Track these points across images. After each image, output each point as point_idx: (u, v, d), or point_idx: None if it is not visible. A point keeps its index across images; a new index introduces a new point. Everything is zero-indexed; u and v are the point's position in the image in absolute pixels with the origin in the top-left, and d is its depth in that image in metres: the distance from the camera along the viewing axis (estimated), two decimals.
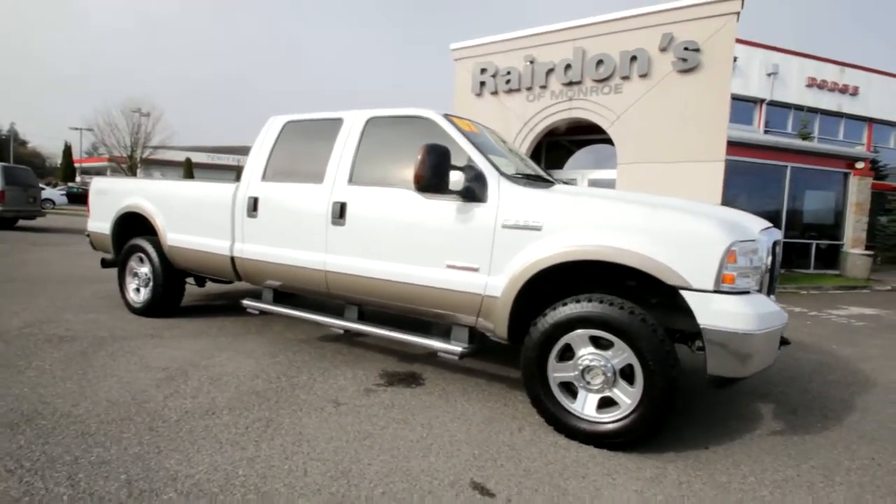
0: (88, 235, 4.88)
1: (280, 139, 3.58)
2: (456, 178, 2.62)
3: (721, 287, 2.11)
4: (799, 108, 18.07)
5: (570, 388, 2.45)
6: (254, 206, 3.50)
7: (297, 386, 2.91)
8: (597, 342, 2.35)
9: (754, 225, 2.40)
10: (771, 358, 2.27)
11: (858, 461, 2.38)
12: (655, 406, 2.18)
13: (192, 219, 3.94)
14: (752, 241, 2.21)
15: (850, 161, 13.41)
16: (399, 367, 3.34)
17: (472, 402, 2.81)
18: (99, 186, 4.78)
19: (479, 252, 2.61)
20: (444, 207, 2.72)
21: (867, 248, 13.16)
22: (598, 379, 2.33)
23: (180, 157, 36.17)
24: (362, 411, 2.60)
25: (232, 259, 3.68)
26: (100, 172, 47.91)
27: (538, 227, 2.45)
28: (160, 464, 1.97)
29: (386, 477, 1.99)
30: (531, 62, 8.95)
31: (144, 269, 4.32)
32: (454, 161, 2.61)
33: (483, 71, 9.52)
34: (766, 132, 17.15)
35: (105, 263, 4.81)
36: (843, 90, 18.47)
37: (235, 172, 36.44)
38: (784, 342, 2.39)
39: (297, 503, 1.78)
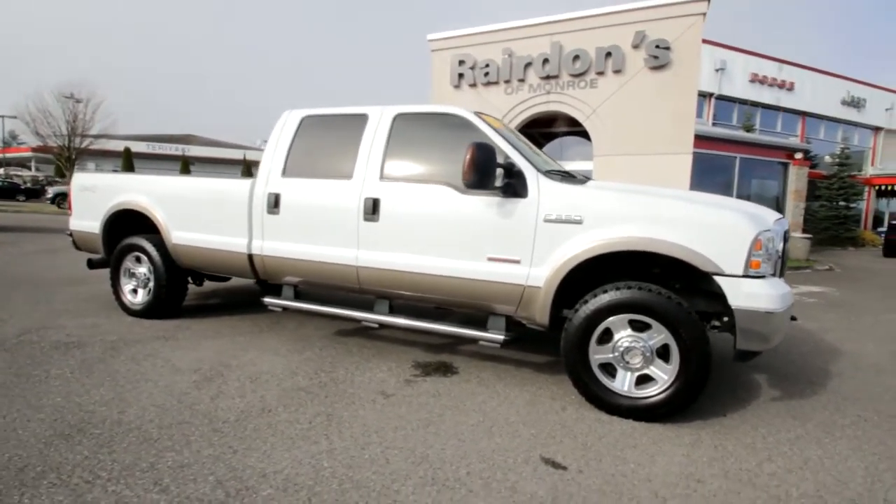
0: (71, 234, 4.58)
1: (298, 134, 3.53)
2: (497, 175, 2.73)
3: (749, 272, 2.37)
4: (743, 102, 19.46)
5: (607, 369, 2.66)
6: (275, 202, 3.45)
7: (338, 381, 2.95)
8: (633, 325, 2.57)
9: (769, 216, 2.70)
10: (784, 332, 2.58)
11: (848, 419, 2.76)
12: (691, 380, 2.43)
13: (200, 216, 3.81)
14: (770, 230, 2.49)
15: (790, 152, 14.68)
16: (428, 358, 3.44)
17: (510, 387, 2.98)
18: (84, 182, 4.48)
19: (521, 245, 2.75)
20: (484, 203, 2.83)
21: (804, 231, 14.51)
22: (637, 358, 2.55)
23: (119, 146, 33.57)
24: (413, 401, 2.70)
25: (250, 256, 3.61)
26: (22, 164, 43.73)
27: (580, 221, 2.62)
28: (242, 462, 1.99)
29: (463, 459, 2.11)
30: (509, 55, 9.13)
31: (142, 270, 4.14)
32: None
33: (461, 63, 9.59)
34: (714, 125, 18.37)
35: (93, 264, 4.55)
36: (781, 86, 20.06)
37: (181, 163, 34.42)
38: (793, 318, 2.72)
39: (392, 488, 1.87)
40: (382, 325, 3.41)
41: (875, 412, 2.86)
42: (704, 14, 7.73)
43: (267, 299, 3.61)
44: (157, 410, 2.43)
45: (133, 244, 4.11)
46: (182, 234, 3.88)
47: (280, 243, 3.47)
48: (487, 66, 9.32)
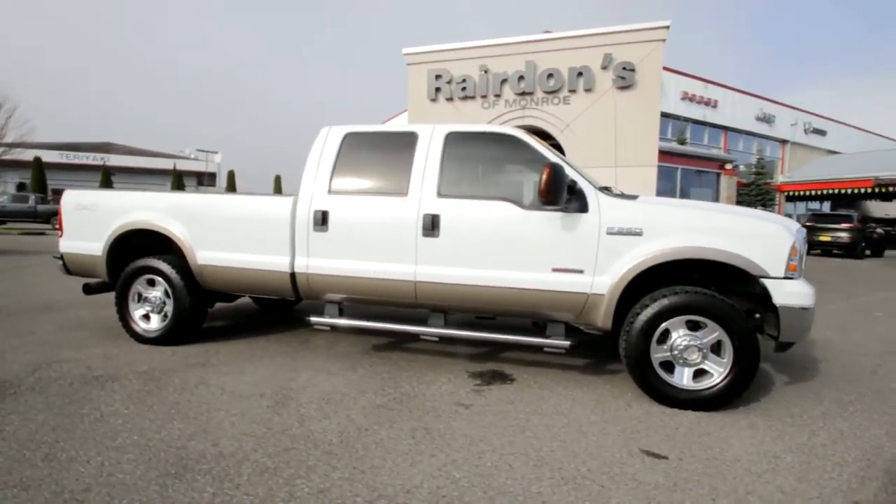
0: (62, 258, 4.19)
1: (342, 152, 3.54)
2: None
3: (788, 274, 2.75)
4: (676, 117, 21.41)
5: (666, 366, 2.94)
6: (322, 219, 3.42)
7: (410, 396, 2.99)
8: (689, 325, 2.87)
9: (793, 225, 3.13)
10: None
11: (852, 395, 3.23)
12: (744, 371, 2.77)
13: (230, 235, 3.67)
14: (799, 237, 2.91)
15: (722, 163, 16.41)
16: (479, 368, 3.55)
17: (571, 390, 3.17)
18: (79, 200, 4.12)
19: (585, 256, 2.97)
20: (547, 218, 3.03)
21: None
22: (694, 355, 2.86)
23: (28, 156, 30.01)
24: (492, 409, 2.81)
25: (292, 275, 3.54)
26: None
27: (640, 233, 2.89)
28: (377, 481, 2.01)
29: (575, 458, 2.26)
30: (486, 72, 9.49)
31: (155, 293, 3.89)
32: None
33: (438, 77, 9.82)
34: None
35: (90, 289, 4.19)
36: (707, 103, 22.31)
37: (101, 173, 31.50)
38: None
39: (532, 490, 1.98)
40: (440, 338, 3.48)
41: (868, 389, 3.38)
42: (664, 40, 8.54)
43: (314, 318, 3.55)
44: (253, 439, 2.35)
45: (146, 266, 3.85)
46: (209, 253, 3.71)
47: (328, 260, 3.44)
48: (464, 81, 9.62)
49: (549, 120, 9.30)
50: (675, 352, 2.88)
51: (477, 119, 9.74)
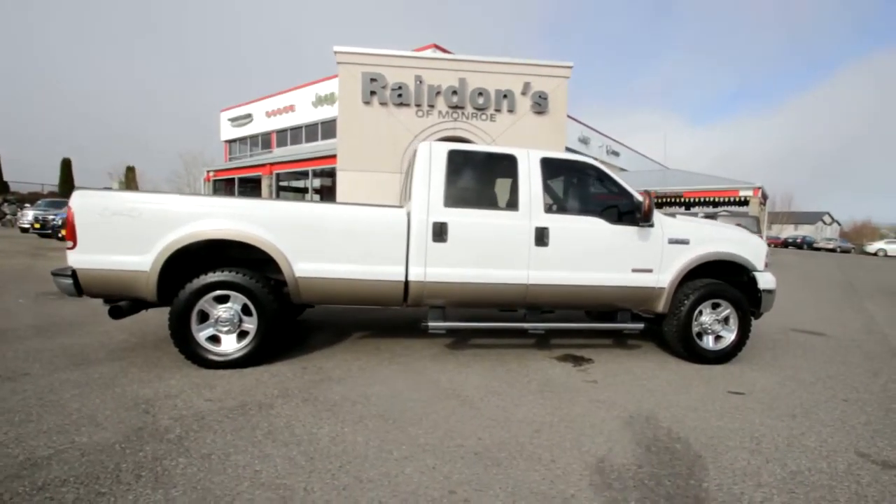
0: (73, 274, 3.34)
1: (449, 168, 3.82)
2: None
3: (764, 269, 4.26)
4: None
5: (697, 335, 4.17)
6: (440, 231, 3.66)
7: (543, 382, 3.55)
8: (712, 306, 4.15)
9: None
10: None
11: (821, 359, 5.04)
12: (744, 336, 4.17)
13: (338, 246, 3.57)
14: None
15: None
16: (557, 354, 4.28)
17: (638, 362, 4.16)
18: (109, 204, 3.34)
19: (654, 258, 3.99)
20: (627, 231, 3.95)
21: None
22: (716, 326, 4.16)
23: None
24: (610, 381, 3.60)
25: (406, 283, 3.67)
26: None
27: (687, 242, 4.05)
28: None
29: (696, 400, 3.23)
30: (420, 82, 9.97)
31: (225, 312, 3.49)
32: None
33: (373, 80, 9.87)
34: None
35: (121, 312, 3.46)
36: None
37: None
38: None
39: (686, 418, 2.86)
40: (547, 332, 4.08)
41: (823, 357, 5.27)
42: (568, 77, 10.39)
43: (432, 323, 3.74)
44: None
45: (222, 281, 3.43)
46: (310, 265, 3.53)
47: (446, 269, 3.69)
48: (400, 88, 9.91)
49: (478, 133, 10.31)
50: (705, 325, 4.14)
51: (410, 126, 10.14)
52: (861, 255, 35.74)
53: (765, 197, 28.22)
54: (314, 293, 3.61)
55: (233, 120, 32.60)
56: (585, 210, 4.01)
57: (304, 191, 25.02)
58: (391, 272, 3.65)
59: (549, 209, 3.89)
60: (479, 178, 3.97)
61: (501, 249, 3.77)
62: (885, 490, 2.19)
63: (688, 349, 4.12)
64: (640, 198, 4.02)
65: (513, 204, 3.84)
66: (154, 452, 2.23)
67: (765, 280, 4.24)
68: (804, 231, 57.48)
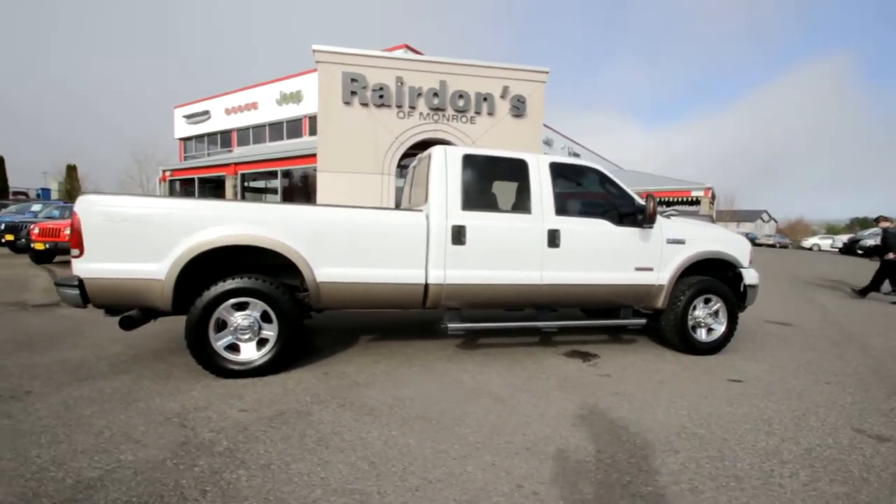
0: (80, 284, 3.16)
1: (464, 172, 3.90)
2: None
3: (749, 265, 4.63)
4: None
5: (692, 328, 4.48)
6: (459, 233, 3.74)
7: (563, 378, 3.71)
8: (704, 301, 4.48)
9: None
10: None
11: (826, 359, 5.47)
12: (733, 328, 4.52)
13: (359, 250, 3.57)
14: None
15: None
16: (566, 350, 4.46)
17: (640, 355, 4.42)
18: (114, 209, 3.18)
19: (654, 258, 4.25)
20: (630, 232, 4.18)
21: None
22: (709, 320, 4.48)
23: None
24: (622, 374, 3.81)
25: (426, 286, 3.72)
26: None
27: (683, 241, 4.34)
28: (644, 422, 2.81)
29: (705, 388, 3.50)
30: (402, 84, 9.96)
31: (246, 320, 3.42)
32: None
33: (353, 81, 9.76)
34: None
35: (132, 322, 3.31)
36: None
37: None
38: None
39: (701, 405, 3.11)
40: (558, 330, 4.23)
41: (817, 344, 5.72)
42: (545, 82, 10.71)
43: (451, 325, 3.81)
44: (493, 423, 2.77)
45: (243, 288, 3.35)
46: (333, 270, 3.51)
47: (465, 271, 3.77)
48: (381, 89, 9.86)
49: (458, 135, 10.42)
50: (699, 319, 4.45)
51: (391, 127, 10.10)
52: (798, 249, 38.91)
53: (713, 197, 30.10)
54: (334, 298, 3.59)
55: (188, 117, 31.06)
56: (591, 212, 4.22)
57: (266, 192, 24.22)
58: (411, 275, 3.68)
59: (559, 212, 4.06)
60: (491, 182, 4.07)
61: (516, 251, 3.89)
62: (887, 461, 2.49)
63: (684, 341, 4.41)
64: (640, 200, 4.26)
65: (525, 207, 3.98)
66: (210, 466, 2.18)
67: (750, 276, 4.61)
68: (745, 228, 61.80)
